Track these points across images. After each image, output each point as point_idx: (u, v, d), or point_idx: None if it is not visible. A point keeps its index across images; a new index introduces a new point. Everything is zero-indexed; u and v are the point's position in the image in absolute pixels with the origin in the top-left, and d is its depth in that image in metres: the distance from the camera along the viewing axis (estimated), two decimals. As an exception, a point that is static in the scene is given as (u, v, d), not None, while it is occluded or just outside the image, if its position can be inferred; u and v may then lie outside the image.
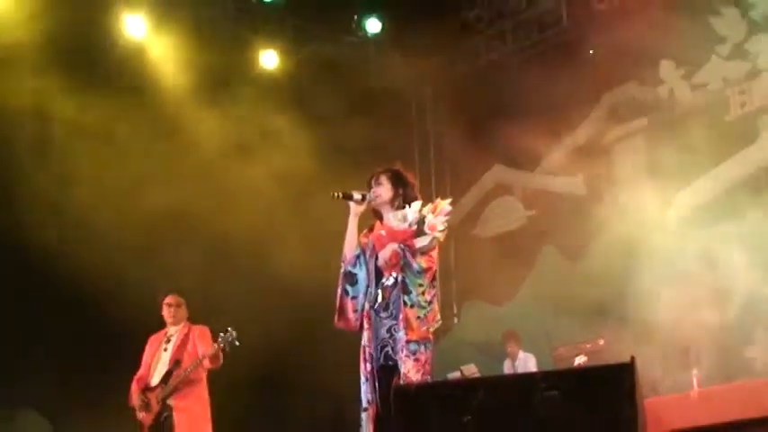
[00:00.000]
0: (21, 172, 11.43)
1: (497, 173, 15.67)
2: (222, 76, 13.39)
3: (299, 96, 14.09)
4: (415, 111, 16.82)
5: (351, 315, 6.48)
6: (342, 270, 6.54)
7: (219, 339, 8.74)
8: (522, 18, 15.26)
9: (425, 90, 16.72)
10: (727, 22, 13.68)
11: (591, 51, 14.51)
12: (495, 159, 15.47)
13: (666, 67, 14.20)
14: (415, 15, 14.95)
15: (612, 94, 14.73)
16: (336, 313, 6.54)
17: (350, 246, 6.54)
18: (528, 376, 4.64)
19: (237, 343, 8.78)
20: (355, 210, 6.52)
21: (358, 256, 6.49)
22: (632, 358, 4.09)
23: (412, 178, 6.75)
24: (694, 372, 11.11)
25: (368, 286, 6.42)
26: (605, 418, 3.84)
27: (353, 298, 6.47)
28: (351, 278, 6.48)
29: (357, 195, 6.47)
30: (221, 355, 8.81)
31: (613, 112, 14.75)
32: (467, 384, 4.36)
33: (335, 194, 6.49)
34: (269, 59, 14.56)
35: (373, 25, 15.31)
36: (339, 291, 6.53)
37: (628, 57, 14.11)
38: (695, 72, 13.95)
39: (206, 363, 8.83)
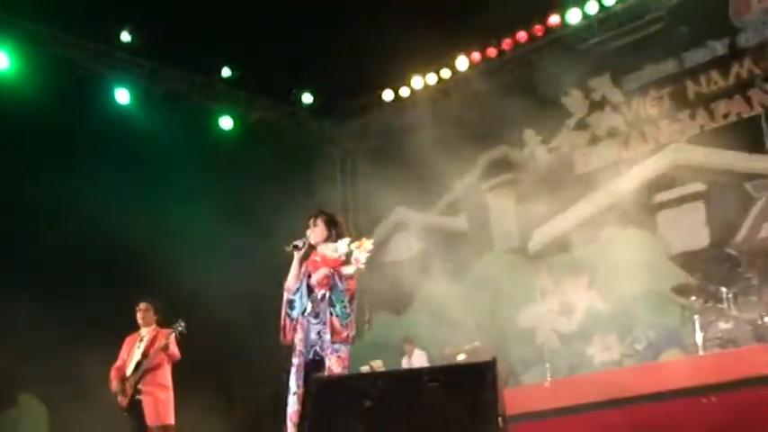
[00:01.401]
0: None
1: (399, 213, 15.71)
2: (191, 134, 13.30)
3: (249, 151, 14.07)
4: (339, 164, 16.84)
5: (289, 334, 6.53)
6: (285, 298, 6.57)
7: (174, 328, 8.75)
8: (419, 96, 15.40)
9: (348, 148, 16.76)
10: (574, 102, 13.94)
11: (471, 123, 14.69)
12: (398, 203, 15.53)
13: (529, 135, 14.39)
14: (340, 90, 15.10)
15: (488, 154, 14.82)
16: (281, 332, 6.58)
17: (293, 280, 6.57)
18: (416, 370, 4.71)
19: (185, 331, 8.73)
20: (298, 254, 6.60)
21: (299, 288, 6.54)
22: (494, 358, 4.18)
23: (341, 219, 6.87)
24: (547, 366, 11.22)
25: (302, 303, 6.49)
26: (472, 402, 3.91)
27: (292, 320, 6.53)
28: (291, 304, 6.54)
29: (299, 244, 6.55)
30: (173, 347, 8.75)
31: (489, 168, 14.84)
32: (369, 376, 4.41)
33: (287, 249, 6.58)
34: (226, 123, 14.57)
35: (307, 97, 15.39)
36: (282, 314, 6.57)
37: (500, 126, 14.34)
38: (551, 139, 14.16)
39: (165, 356, 8.76)
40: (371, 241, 6.52)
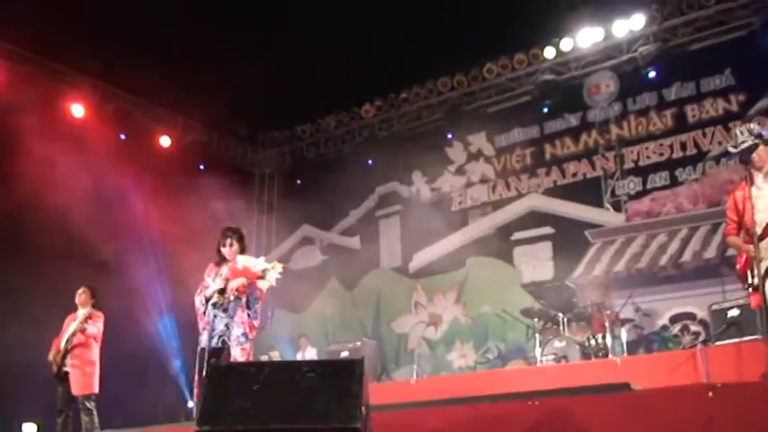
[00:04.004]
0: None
1: (306, 230, 15.66)
2: (133, 150, 12.98)
3: (183, 168, 13.79)
4: (257, 184, 16.70)
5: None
6: (200, 309, 6.53)
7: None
8: (331, 135, 15.44)
9: (265, 172, 16.65)
10: (455, 152, 14.16)
11: (370, 161, 14.83)
12: (305, 221, 15.51)
13: (416, 175, 14.54)
14: (264, 124, 15.05)
15: (382, 188, 14.91)
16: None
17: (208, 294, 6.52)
18: (297, 362, 4.73)
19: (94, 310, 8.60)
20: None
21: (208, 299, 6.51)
22: (363, 357, 4.21)
23: (245, 231, 6.87)
24: (415, 367, 11.28)
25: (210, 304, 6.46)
26: (341, 391, 3.92)
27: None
28: (204, 311, 6.49)
29: (220, 288, 6.49)
30: (91, 328, 8.51)
31: (382, 199, 14.92)
32: (259, 364, 4.38)
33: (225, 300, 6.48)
34: (165, 141, 14.26)
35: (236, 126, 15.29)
36: (200, 319, 6.55)
37: (394, 166, 14.46)
38: (434, 180, 14.33)
39: (89, 336, 8.55)
40: (282, 265, 6.60)
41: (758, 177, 5.76)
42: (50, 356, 8.60)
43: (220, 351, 6.25)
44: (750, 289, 5.73)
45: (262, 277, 6.45)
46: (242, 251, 6.62)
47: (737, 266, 5.91)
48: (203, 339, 6.32)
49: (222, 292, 6.36)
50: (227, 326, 6.31)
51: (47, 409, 8.70)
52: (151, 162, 13.18)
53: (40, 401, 9.14)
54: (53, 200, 10.56)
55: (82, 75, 12.88)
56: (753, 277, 5.66)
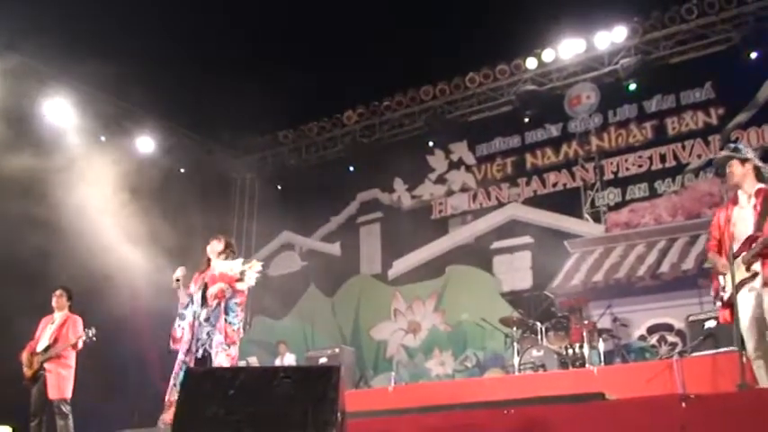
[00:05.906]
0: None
1: (286, 236, 15.61)
2: (112, 153, 12.86)
3: (164, 171, 13.68)
4: (239, 190, 16.63)
5: (177, 341, 6.55)
6: (179, 312, 6.58)
7: (85, 332, 8.49)
8: (312, 141, 15.43)
9: (247, 177, 16.59)
10: (436, 160, 14.20)
11: (352, 168, 14.81)
12: (286, 227, 15.47)
13: (398, 183, 14.55)
14: (243, 131, 15.00)
15: (364, 195, 14.91)
16: (171, 340, 6.58)
17: (182, 300, 6.56)
18: (274, 368, 4.71)
19: (95, 339, 8.50)
20: (178, 284, 6.69)
21: (187, 305, 6.55)
22: (339, 364, 4.24)
23: (234, 241, 6.95)
24: (393, 374, 11.29)
25: (194, 311, 6.48)
26: (317, 397, 3.91)
27: (182, 329, 6.51)
28: (182, 317, 6.55)
29: (179, 276, 6.63)
30: (81, 342, 8.50)
31: (363, 206, 14.91)
32: (235, 370, 4.37)
33: (173, 286, 6.65)
34: (146, 144, 14.09)
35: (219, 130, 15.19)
36: (174, 326, 6.57)
37: (376, 173, 14.47)
38: (415, 188, 14.34)
39: (72, 347, 8.52)
40: (261, 264, 6.65)
41: (743, 197, 5.81)
42: (24, 357, 8.55)
43: (203, 362, 6.29)
44: (720, 303, 5.79)
45: (240, 279, 6.49)
46: (229, 256, 6.67)
47: (713, 290, 5.96)
48: (186, 352, 6.33)
49: (203, 301, 6.39)
50: (208, 334, 6.36)
51: (21, 412, 8.60)
52: (131, 165, 13.08)
53: (13, 404, 9.02)
54: (25, 203, 10.48)
55: (64, 76, 12.78)
56: (723, 291, 5.72)
